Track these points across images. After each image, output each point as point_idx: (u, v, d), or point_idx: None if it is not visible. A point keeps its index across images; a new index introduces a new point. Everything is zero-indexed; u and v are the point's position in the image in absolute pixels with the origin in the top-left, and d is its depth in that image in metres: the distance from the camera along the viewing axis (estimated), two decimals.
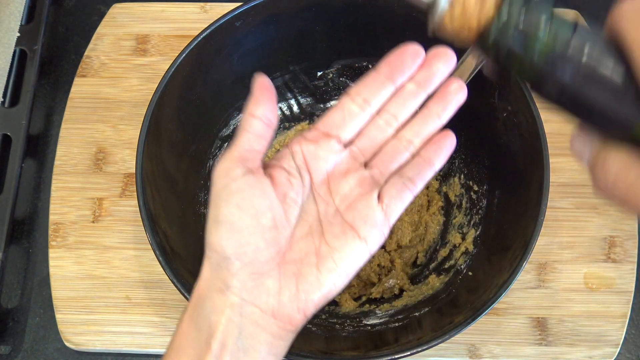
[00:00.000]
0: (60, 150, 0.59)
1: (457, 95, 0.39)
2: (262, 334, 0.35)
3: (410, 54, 0.38)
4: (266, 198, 0.36)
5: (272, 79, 0.55)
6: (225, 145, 0.56)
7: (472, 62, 0.44)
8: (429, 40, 0.50)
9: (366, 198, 0.38)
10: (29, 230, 0.58)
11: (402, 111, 0.39)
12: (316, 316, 0.52)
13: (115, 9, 0.63)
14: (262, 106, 0.37)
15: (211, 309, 0.35)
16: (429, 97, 0.39)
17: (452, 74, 0.42)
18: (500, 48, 0.25)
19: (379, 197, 0.38)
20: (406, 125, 0.39)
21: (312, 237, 0.37)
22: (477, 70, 0.45)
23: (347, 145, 0.39)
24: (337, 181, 0.39)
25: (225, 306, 0.35)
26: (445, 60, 0.38)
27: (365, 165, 0.39)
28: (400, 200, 0.38)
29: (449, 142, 0.39)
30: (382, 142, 0.39)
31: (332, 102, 0.59)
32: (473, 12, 0.26)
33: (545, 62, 0.23)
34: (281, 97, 0.58)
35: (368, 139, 0.39)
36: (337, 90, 0.58)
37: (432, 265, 0.54)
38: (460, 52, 0.45)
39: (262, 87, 0.37)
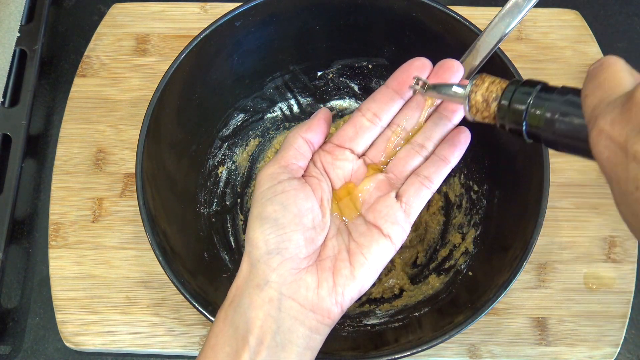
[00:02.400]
0: (60, 150, 0.59)
1: None
2: (300, 328, 0.36)
3: (416, 67, 0.41)
4: (308, 201, 0.39)
5: (272, 79, 0.55)
6: (225, 145, 0.56)
7: (470, 63, 0.44)
8: (429, 39, 0.50)
9: (385, 199, 0.41)
10: (29, 230, 0.58)
11: (411, 121, 0.42)
12: None
13: (115, 9, 0.63)
14: (313, 133, 0.41)
15: (249, 305, 0.36)
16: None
17: None
18: (505, 127, 0.36)
19: (397, 197, 0.41)
20: (418, 131, 0.42)
21: (341, 236, 0.40)
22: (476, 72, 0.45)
23: (360, 156, 0.42)
24: (355, 187, 0.41)
25: (264, 301, 0.36)
26: (453, 71, 0.41)
27: (381, 172, 0.42)
28: (419, 197, 0.41)
29: (463, 138, 0.42)
30: (394, 150, 0.42)
31: (332, 102, 0.59)
32: (484, 112, 0.37)
33: (534, 131, 0.35)
34: (281, 97, 0.58)
35: (380, 149, 0.42)
36: (337, 90, 0.58)
37: (432, 265, 0.54)
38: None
39: (322, 119, 0.42)
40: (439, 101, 0.42)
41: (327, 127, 0.42)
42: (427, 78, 0.41)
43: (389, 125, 0.42)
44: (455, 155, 0.42)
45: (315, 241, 0.39)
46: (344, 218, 0.41)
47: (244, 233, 0.55)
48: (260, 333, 0.35)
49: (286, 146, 0.41)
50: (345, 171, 0.42)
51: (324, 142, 0.43)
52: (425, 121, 0.42)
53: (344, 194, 0.42)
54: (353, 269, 0.38)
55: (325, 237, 0.40)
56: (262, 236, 0.37)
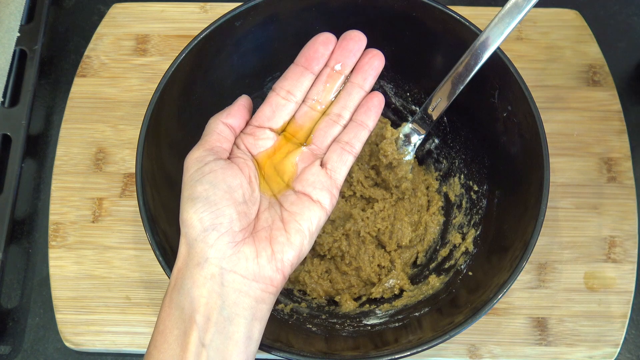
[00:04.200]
0: (60, 150, 0.59)
1: (375, 62, 0.44)
2: (245, 299, 0.37)
3: (321, 42, 0.44)
4: (237, 178, 0.40)
5: (272, 79, 0.55)
6: None
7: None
8: (429, 39, 0.50)
9: (310, 168, 0.43)
10: (29, 230, 0.58)
11: (325, 94, 0.45)
12: (316, 316, 0.52)
13: (115, 9, 0.63)
14: (234, 118, 0.43)
15: (191, 285, 0.37)
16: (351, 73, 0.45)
17: (446, 82, 0.44)
18: None
19: (322, 165, 0.43)
20: (333, 102, 0.45)
21: (273, 208, 0.41)
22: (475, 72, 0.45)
23: (280, 133, 0.44)
24: (280, 162, 0.43)
25: (206, 279, 0.37)
26: (356, 40, 0.44)
27: (303, 145, 0.44)
28: (342, 162, 0.43)
29: (377, 101, 0.45)
30: (312, 123, 0.45)
31: None
32: None
33: None
34: None
35: (298, 124, 0.44)
36: None
37: (432, 265, 0.54)
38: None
39: (242, 105, 0.44)
40: (348, 70, 0.44)
41: (247, 113, 0.44)
42: (333, 50, 0.44)
43: (304, 100, 0.45)
44: (371, 118, 0.44)
45: (249, 214, 0.39)
46: (273, 193, 0.42)
47: None
48: (206, 310, 0.36)
49: (208, 131, 0.43)
50: (267, 149, 0.44)
51: (245, 126, 0.44)
52: (339, 92, 0.45)
53: (270, 170, 0.43)
54: (289, 235, 0.39)
55: (258, 210, 0.41)
56: (196, 215, 0.38)
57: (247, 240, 0.38)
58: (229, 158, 0.42)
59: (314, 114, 0.45)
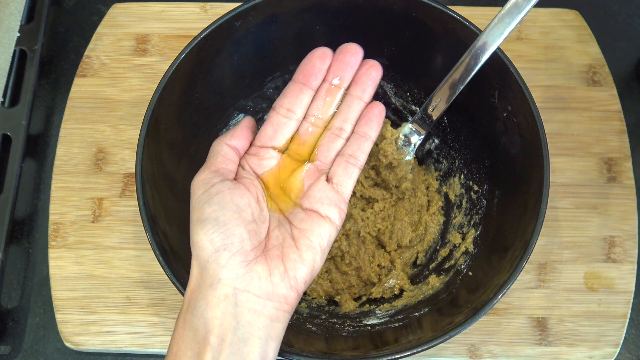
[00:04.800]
0: (60, 150, 0.59)
1: (372, 73, 0.44)
2: (260, 319, 0.37)
3: (317, 57, 0.44)
4: (244, 197, 0.40)
5: (272, 79, 0.55)
6: None
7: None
8: (429, 39, 0.50)
9: (316, 184, 0.43)
10: (29, 230, 0.58)
11: (325, 109, 0.44)
12: (316, 316, 0.52)
13: (115, 9, 0.63)
14: (237, 140, 0.43)
15: (205, 306, 0.36)
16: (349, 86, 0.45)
17: (446, 82, 0.44)
18: None
19: (328, 180, 0.43)
20: (333, 116, 0.45)
21: (283, 226, 0.41)
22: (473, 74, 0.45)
23: (283, 151, 0.44)
24: (286, 181, 0.43)
25: (220, 300, 0.36)
26: (352, 52, 0.44)
27: (307, 162, 0.44)
28: (348, 176, 0.43)
29: (378, 111, 0.45)
30: (314, 139, 0.44)
31: None
32: None
33: None
34: None
35: (301, 141, 0.44)
36: None
37: (432, 265, 0.54)
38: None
39: (245, 127, 0.44)
40: (347, 83, 0.44)
41: (251, 134, 0.44)
42: (330, 64, 0.44)
43: (305, 116, 0.45)
44: (373, 129, 0.44)
45: (259, 233, 0.39)
46: (282, 211, 0.42)
47: None
48: (220, 331, 0.36)
49: (213, 154, 0.43)
50: (272, 168, 0.44)
51: (250, 147, 0.44)
52: (339, 105, 0.45)
53: (276, 189, 0.43)
54: (300, 252, 0.39)
55: (268, 229, 0.41)
56: (206, 237, 0.37)
57: (259, 258, 0.38)
58: (234, 179, 0.42)
59: (315, 130, 0.45)
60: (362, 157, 0.44)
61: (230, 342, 0.36)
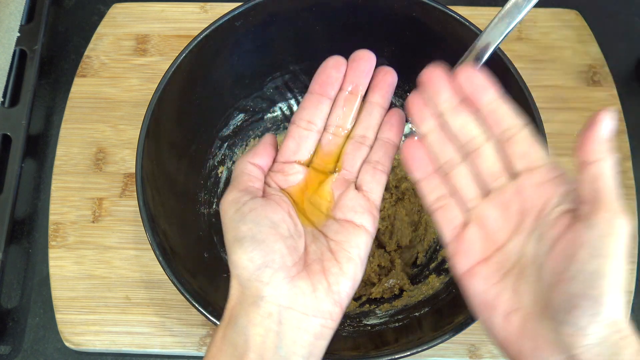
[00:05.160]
0: (60, 150, 0.59)
1: (389, 79, 0.44)
2: (304, 336, 0.36)
3: (332, 66, 0.43)
4: (277, 213, 0.39)
5: (272, 79, 0.55)
6: (225, 145, 0.56)
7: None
8: (429, 39, 0.50)
9: (346, 194, 0.42)
10: (29, 230, 0.58)
11: (345, 118, 0.43)
12: None
13: (115, 9, 0.63)
14: (260, 157, 0.42)
15: (246, 323, 0.35)
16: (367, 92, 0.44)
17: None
18: None
19: (357, 188, 0.42)
20: (355, 124, 0.44)
21: (319, 240, 0.40)
22: None
23: (308, 165, 0.43)
24: (315, 194, 0.42)
25: (263, 317, 0.35)
26: (366, 59, 0.43)
27: (333, 173, 0.43)
28: (377, 182, 0.42)
29: (399, 116, 0.44)
30: (338, 149, 0.43)
31: None
32: None
33: None
34: (281, 97, 0.58)
35: (325, 152, 0.43)
36: None
37: (432, 265, 0.54)
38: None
39: (267, 144, 0.43)
40: (364, 91, 0.44)
41: (273, 150, 0.43)
42: (345, 73, 0.43)
43: (326, 127, 0.44)
44: (397, 134, 0.44)
45: (297, 248, 0.39)
46: (314, 226, 0.41)
47: None
48: (260, 349, 0.35)
49: (238, 174, 0.42)
50: (299, 183, 0.43)
51: (273, 164, 0.43)
52: (359, 113, 0.44)
53: (306, 204, 0.42)
54: (341, 265, 0.38)
55: (305, 244, 0.40)
56: (245, 255, 0.36)
57: (301, 274, 0.37)
58: (263, 196, 0.41)
59: (338, 140, 0.44)
60: (388, 163, 0.43)
61: None
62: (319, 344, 0.37)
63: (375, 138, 0.44)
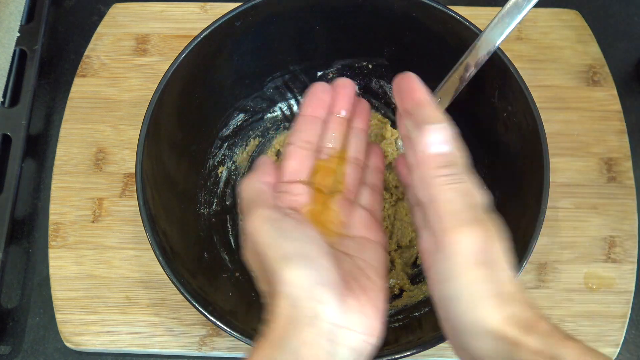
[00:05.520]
0: (60, 150, 0.59)
1: (366, 107, 0.48)
2: (353, 355, 0.36)
3: (321, 91, 0.46)
4: (311, 229, 0.39)
5: (272, 79, 0.55)
6: (225, 145, 0.56)
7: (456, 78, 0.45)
8: (429, 39, 0.50)
9: (352, 211, 0.43)
10: (29, 230, 0.58)
11: (337, 139, 0.46)
12: None
13: (115, 9, 0.63)
14: (270, 177, 0.43)
15: (299, 344, 0.34)
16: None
17: (445, 83, 0.45)
18: None
19: (360, 205, 0.44)
20: (346, 146, 0.46)
21: (343, 259, 0.40)
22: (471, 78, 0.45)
23: (309, 185, 0.44)
24: (322, 214, 0.43)
25: (318, 336, 0.34)
26: (348, 85, 0.47)
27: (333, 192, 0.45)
28: (376, 201, 0.45)
29: (378, 149, 0.48)
30: (334, 169, 0.45)
31: None
32: None
33: None
34: (281, 97, 0.58)
35: (324, 173, 0.45)
36: None
37: None
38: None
39: (268, 164, 0.44)
40: (349, 115, 0.47)
41: (276, 170, 0.44)
42: (332, 97, 0.46)
43: (321, 149, 0.46)
44: (382, 161, 0.47)
45: (338, 265, 0.38)
46: (331, 245, 0.41)
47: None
48: None
49: (256, 194, 0.41)
50: (306, 204, 0.44)
51: (279, 185, 0.44)
52: (347, 137, 0.47)
53: (316, 225, 0.42)
54: (374, 281, 0.39)
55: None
56: (297, 272, 0.35)
57: (347, 292, 0.37)
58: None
59: (333, 160, 0.45)
60: (382, 185, 0.47)
61: None
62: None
63: (365, 164, 0.46)
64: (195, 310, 0.43)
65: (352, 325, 0.36)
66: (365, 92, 0.58)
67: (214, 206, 0.55)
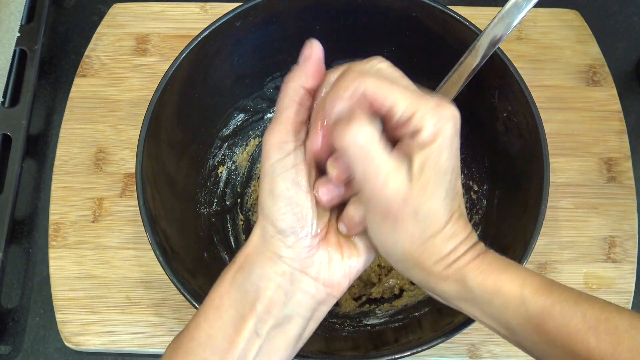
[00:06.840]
0: (60, 150, 0.59)
1: None
2: (310, 301, 0.37)
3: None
4: (313, 177, 0.38)
5: (272, 79, 0.55)
6: (226, 145, 0.56)
7: (470, 64, 0.44)
8: (429, 39, 0.50)
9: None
10: (29, 230, 0.58)
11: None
12: None
13: (115, 9, 0.63)
14: (313, 79, 0.37)
15: (260, 275, 0.36)
16: None
17: (445, 83, 0.44)
18: None
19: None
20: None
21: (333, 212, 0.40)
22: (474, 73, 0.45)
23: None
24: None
25: (276, 274, 0.36)
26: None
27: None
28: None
29: None
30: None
31: None
32: None
33: None
34: None
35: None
36: None
37: None
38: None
39: (318, 60, 0.37)
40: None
41: (321, 64, 0.37)
42: None
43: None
44: None
45: (324, 217, 0.38)
46: None
47: (244, 233, 0.55)
48: (269, 302, 0.36)
49: (287, 103, 0.37)
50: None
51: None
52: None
53: None
54: (358, 246, 0.39)
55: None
56: (278, 214, 0.36)
57: (321, 243, 0.38)
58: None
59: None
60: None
61: (276, 315, 0.36)
62: (320, 308, 0.38)
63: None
64: (195, 310, 0.43)
65: (312, 273, 0.37)
66: None
67: (214, 206, 0.55)
